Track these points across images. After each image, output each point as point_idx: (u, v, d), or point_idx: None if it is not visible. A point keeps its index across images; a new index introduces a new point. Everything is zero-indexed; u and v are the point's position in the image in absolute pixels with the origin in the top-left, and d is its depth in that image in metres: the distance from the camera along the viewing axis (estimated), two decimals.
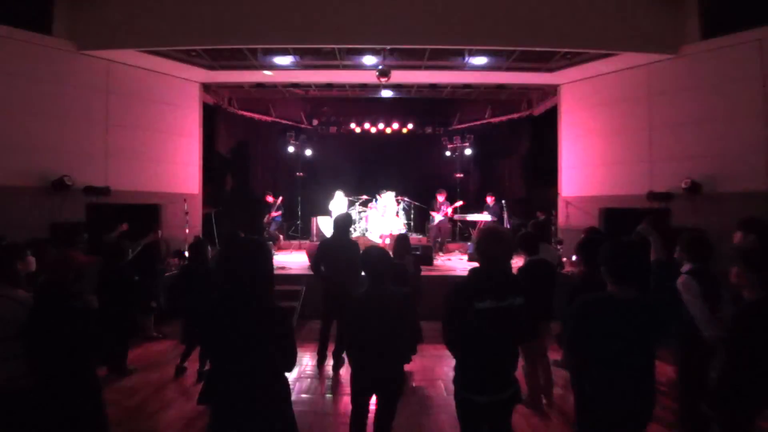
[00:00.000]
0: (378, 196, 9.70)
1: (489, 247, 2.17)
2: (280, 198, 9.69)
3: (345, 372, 4.16)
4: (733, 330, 2.14)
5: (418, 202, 10.33)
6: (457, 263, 7.79)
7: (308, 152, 11.57)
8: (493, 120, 11.50)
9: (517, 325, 2.16)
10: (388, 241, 8.47)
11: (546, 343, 3.95)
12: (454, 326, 2.16)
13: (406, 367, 4.30)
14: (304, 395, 3.81)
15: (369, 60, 7.52)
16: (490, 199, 9.16)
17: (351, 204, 10.21)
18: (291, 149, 11.20)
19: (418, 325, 4.27)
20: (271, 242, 8.63)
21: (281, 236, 9.47)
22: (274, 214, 9.32)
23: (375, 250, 2.62)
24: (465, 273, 4.61)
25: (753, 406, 2.07)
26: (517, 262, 4.23)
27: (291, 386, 2.00)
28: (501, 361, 2.16)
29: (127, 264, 4.44)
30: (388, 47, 6.97)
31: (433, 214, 9.20)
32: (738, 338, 2.09)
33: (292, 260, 8.23)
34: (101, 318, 3.70)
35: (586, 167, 8.24)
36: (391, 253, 4.23)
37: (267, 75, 8.41)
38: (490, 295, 2.08)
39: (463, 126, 12.03)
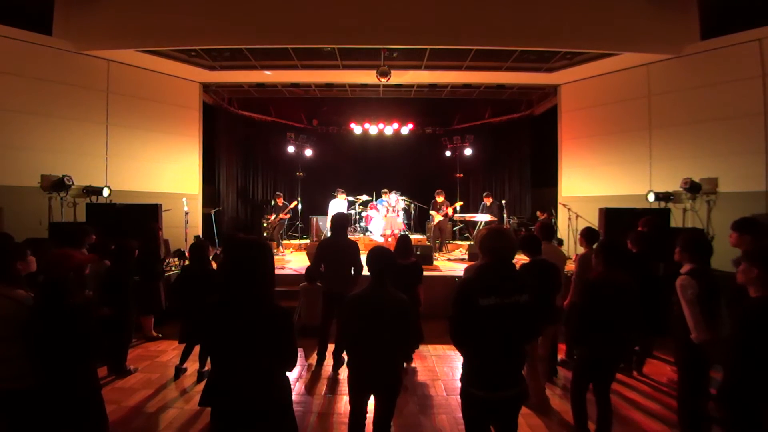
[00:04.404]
0: (384, 195, 9.68)
1: (493, 245, 2.17)
2: (294, 202, 9.67)
3: (344, 372, 4.16)
4: (743, 329, 2.10)
5: (418, 202, 10.33)
6: (457, 263, 7.79)
7: (308, 152, 11.56)
8: (493, 120, 11.51)
9: (522, 323, 2.15)
10: (390, 240, 8.47)
11: (548, 343, 3.96)
12: (459, 322, 2.16)
13: (407, 366, 4.32)
14: (303, 395, 3.81)
15: (368, 60, 7.51)
16: (487, 201, 9.17)
17: (351, 204, 10.21)
18: (291, 149, 11.19)
19: (419, 326, 4.26)
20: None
21: (280, 241, 9.41)
22: (283, 216, 9.32)
23: (379, 250, 2.62)
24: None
25: (764, 406, 2.03)
26: (518, 262, 4.23)
27: (291, 386, 2.00)
28: (507, 358, 2.15)
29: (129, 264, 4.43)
30: (388, 47, 6.96)
31: (433, 213, 9.20)
32: (748, 337, 2.06)
33: (291, 260, 8.22)
34: (102, 317, 3.71)
35: (586, 167, 8.24)
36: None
37: (267, 75, 8.41)
38: (494, 291, 2.08)
39: (463, 126, 12.03)
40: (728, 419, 2.09)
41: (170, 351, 4.84)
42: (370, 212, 9.86)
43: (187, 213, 7.64)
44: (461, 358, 2.27)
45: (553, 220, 8.46)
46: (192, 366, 4.21)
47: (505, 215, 8.93)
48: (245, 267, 1.85)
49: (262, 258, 1.90)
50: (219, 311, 1.84)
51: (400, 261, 4.31)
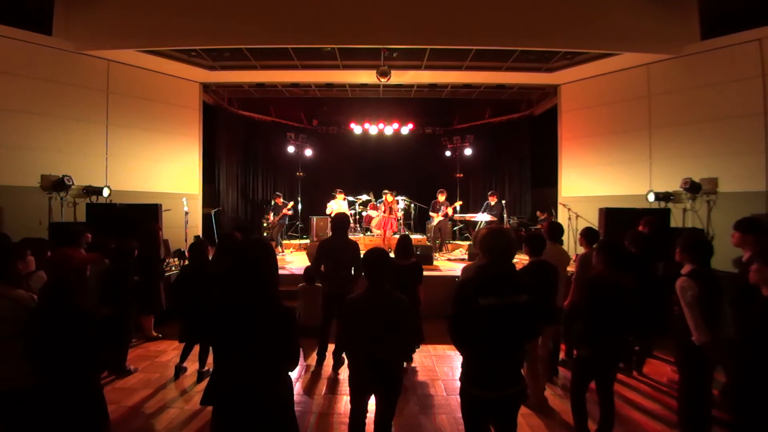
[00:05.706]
0: (383, 196, 9.68)
1: (493, 244, 2.18)
2: (291, 203, 9.70)
3: (344, 372, 4.16)
4: (758, 328, 2.09)
5: (418, 202, 10.32)
6: (457, 263, 7.79)
7: (308, 152, 11.56)
8: (493, 120, 11.51)
9: (521, 323, 2.15)
10: (388, 236, 8.47)
11: (547, 343, 3.96)
12: (459, 322, 2.16)
13: (407, 366, 4.32)
14: (303, 395, 3.81)
15: (368, 60, 7.51)
16: (492, 200, 9.16)
17: (351, 204, 10.20)
18: (291, 149, 11.19)
19: (419, 326, 4.26)
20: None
21: (280, 241, 9.43)
22: (285, 212, 9.34)
23: (373, 253, 2.61)
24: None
25: None
26: (519, 261, 4.23)
27: (293, 385, 2.00)
28: (506, 357, 2.15)
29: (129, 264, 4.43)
30: (388, 47, 6.96)
31: (433, 214, 9.20)
32: (763, 337, 2.05)
33: (292, 261, 8.22)
34: (102, 318, 3.71)
35: (586, 167, 8.24)
36: (393, 254, 4.22)
37: (267, 75, 8.40)
38: (494, 291, 2.09)
39: (463, 126, 12.03)
40: (737, 420, 2.08)
41: (170, 351, 4.84)
42: (371, 212, 9.86)
43: (187, 213, 7.63)
44: (461, 358, 2.28)
45: (552, 220, 8.45)
46: (192, 366, 4.21)
47: (505, 215, 8.92)
48: (249, 266, 1.85)
49: (266, 257, 1.90)
50: (223, 309, 1.84)
51: (401, 261, 4.31)
